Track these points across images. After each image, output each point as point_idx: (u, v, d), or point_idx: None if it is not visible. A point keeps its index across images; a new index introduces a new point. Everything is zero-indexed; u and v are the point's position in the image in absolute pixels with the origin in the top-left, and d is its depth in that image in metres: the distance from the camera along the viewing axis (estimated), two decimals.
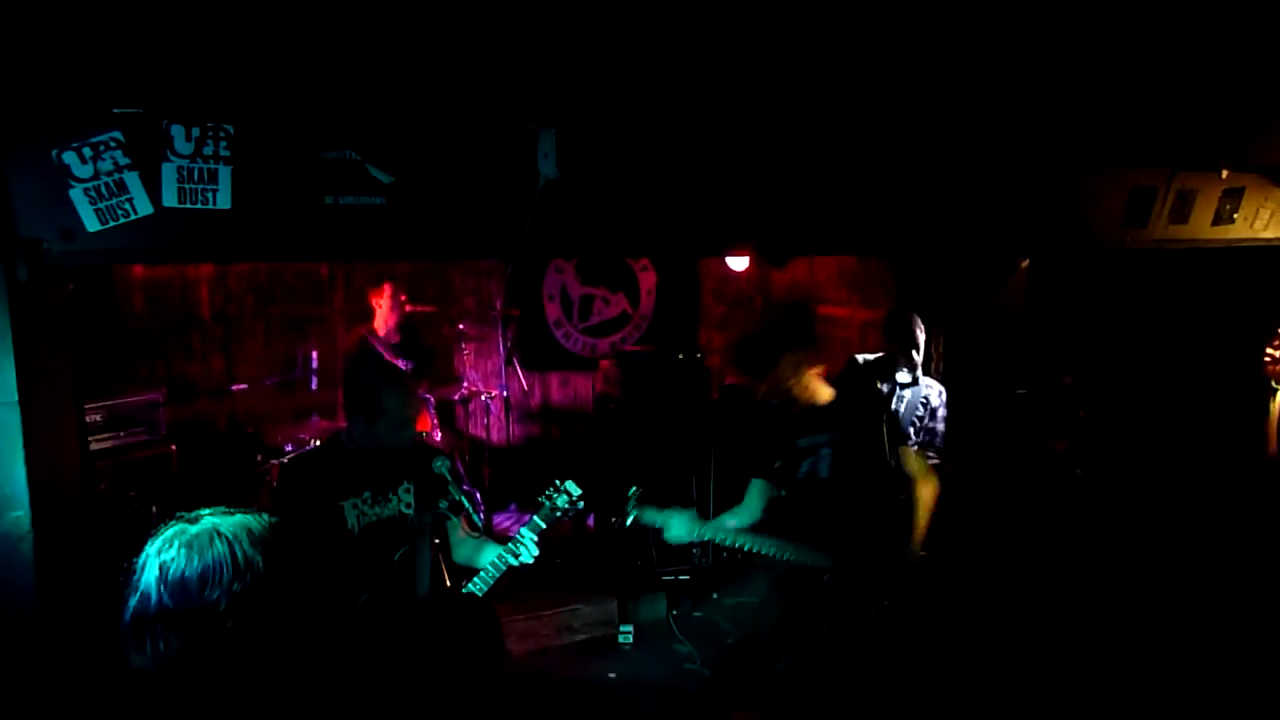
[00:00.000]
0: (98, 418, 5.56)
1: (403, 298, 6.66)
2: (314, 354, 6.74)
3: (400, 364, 6.54)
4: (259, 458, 6.29)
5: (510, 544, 3.59)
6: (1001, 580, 5.30)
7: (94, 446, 5.28)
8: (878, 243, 4.07)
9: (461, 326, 7.19)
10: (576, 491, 3.75)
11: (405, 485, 3.62)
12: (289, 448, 6.28)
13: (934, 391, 5.48)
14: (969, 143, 4.08)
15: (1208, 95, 4.15)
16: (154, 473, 5.82)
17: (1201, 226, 4.71)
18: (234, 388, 6.38)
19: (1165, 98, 4.14)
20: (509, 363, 7.16)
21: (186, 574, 1.63)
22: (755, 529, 4.25)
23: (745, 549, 4.09)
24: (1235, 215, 4.77)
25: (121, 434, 5.74)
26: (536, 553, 3.59)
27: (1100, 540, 5.87)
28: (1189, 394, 6.11)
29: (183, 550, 1.65)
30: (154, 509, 5.66)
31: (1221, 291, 5.94)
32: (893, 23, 3.48)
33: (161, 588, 1.62)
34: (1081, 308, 6.74)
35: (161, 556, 1.65)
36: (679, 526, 4.05)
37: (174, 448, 5.94)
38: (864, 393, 4.46)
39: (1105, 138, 4.24)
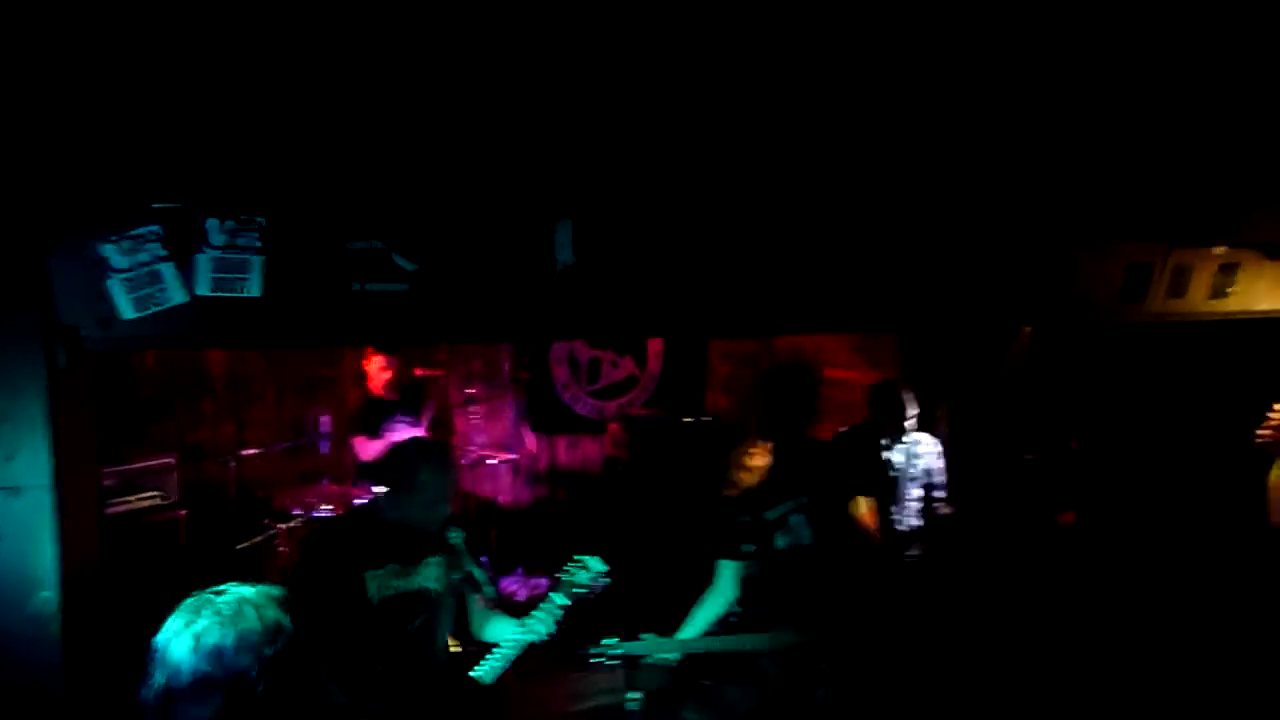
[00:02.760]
0: (110, 482, 5.60)
1: (382, 362, 6.63)
2: (323, 418, 6.81)
3: (402, 424, 6.63)
4: (267, 522, 6.32)
5: (526, 621, 3.57)
6: (1007, 640, 5.31)
7: (107, 511, 5.33)
8: (880, 320, 4.19)
9: (470, 390, 7.27)
10: (600, 567, 3.71)
11: (431, 560, 3.59)
12: (297, 511, 6.31)
13: (929, 443, 5.56)
14: (968, 220, 4.19)
15: (1202, 175, 4.29)
16: (164, 537, 5.85)
17: (1198, 300, 4.82)
18: (244, 453, 6.43)
19: (1161, 177, 4.28)
20: (517, 425, 7.25)
21: (221, 642, 1.69)
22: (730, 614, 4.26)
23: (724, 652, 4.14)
24: (1230, 289, 4.88)
25: (133, 499, 5.78)
26: (552, 629, 3.57)
27: (1103, 600, 5.89)
28: (1191, 461, 6.17)
29: (214, 618, 1.71)
30: (163, 573, 5.69)
31: (1222, 360, 6.03)
32: (893, 107, 3.62)
33: (195, 657, 1.68)
34: (1087, 373, 6.82)
35: (192, 628, 1.71)
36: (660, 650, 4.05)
37: (184, 513, 5.96)
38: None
39: (1102, 215, 4.37)
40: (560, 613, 3.61)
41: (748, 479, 4.25)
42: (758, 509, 4.22)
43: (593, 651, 3.95)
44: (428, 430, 6.84)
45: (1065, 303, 4.51)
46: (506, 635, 3.60)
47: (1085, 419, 6.81)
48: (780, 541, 4.18)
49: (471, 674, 3.53)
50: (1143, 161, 4.15)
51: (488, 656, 3.56)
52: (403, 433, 6.57)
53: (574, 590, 3.67)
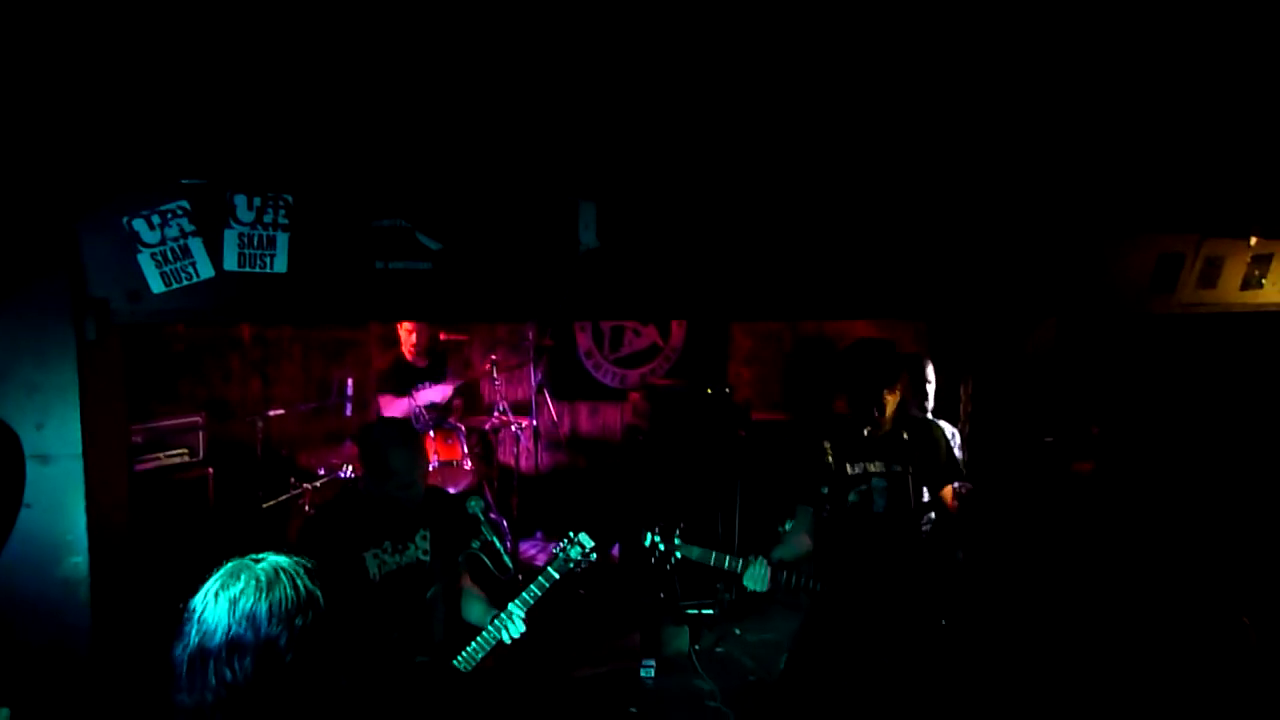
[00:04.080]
0: (139, 439, 5.69)
1: (410, 327, 6.71)
2: (349, 380, 6.88)
3: (429, 387, 6.71)
4: (292, 480, 6.42)
5: (501, 616, 3.63)
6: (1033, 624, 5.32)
7: (136, 468, 5.42)
8: (908, 307, 4.15)
9: (494, 356, 7.32)
10: (589, 544, 3.79)
11: (422, 533, 3.72)
12: (321, 471, 6.41)
13: (945, 428, 5.51)
14: (999, 208, 4.16)
15: (1236, 165, 4.22)
16: (191, 495, 5.95)
17: (1230, 291, 4.76)
18: (270, 413, 6.52)
19: (1194, 167, 4.21)
20: (539, 392, 7.30)
21: (256, 607, 1.73)
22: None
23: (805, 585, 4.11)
24: (1264, 280, 4.81)
25: (161, 456, 5.87)
26: (522, 629, 3.63)
27: (1123, 579, 5.88)
28: (1212, 452, 6.13)
29: (251, 583, 1.76)
30: (190, 530, 5.80)
31: (1251, 352, 5.96)
32: (926, 95, 3.58)
33: (230, 620, 1.72)
34: (1113, 358, 6.77)
35: (229, 591, 1.75)
36: (759, 573, 4.04)
37: (211, 470, 6.06)
38: (919, 424, 4.37)
39: (1134, 205, 4.32)
40: (549, 585, 3.68)
41: (888, 408, 4.09)
42: (842, 457, 4.11)
43: (676, 546, 4.07)
44: (454, 395, 6.91)
45: (1095, 292, 4.46)
46: (485, 621, 3.67)
47: (1108, 404, 6.77)
48: (852, 497, 4.09)
49: (454, 662, 3.63)
50: (1176, 152, 4.09)
51: (471, 643, 3.64)
52: (430, 396, 6.66)
53: (566, 566, 3.74)
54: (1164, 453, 6.46)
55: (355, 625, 3.41)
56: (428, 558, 3.71)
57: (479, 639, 3.64)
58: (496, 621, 3.63)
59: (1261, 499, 5.37)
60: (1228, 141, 4.07)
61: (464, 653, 3.64)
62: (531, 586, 3.67)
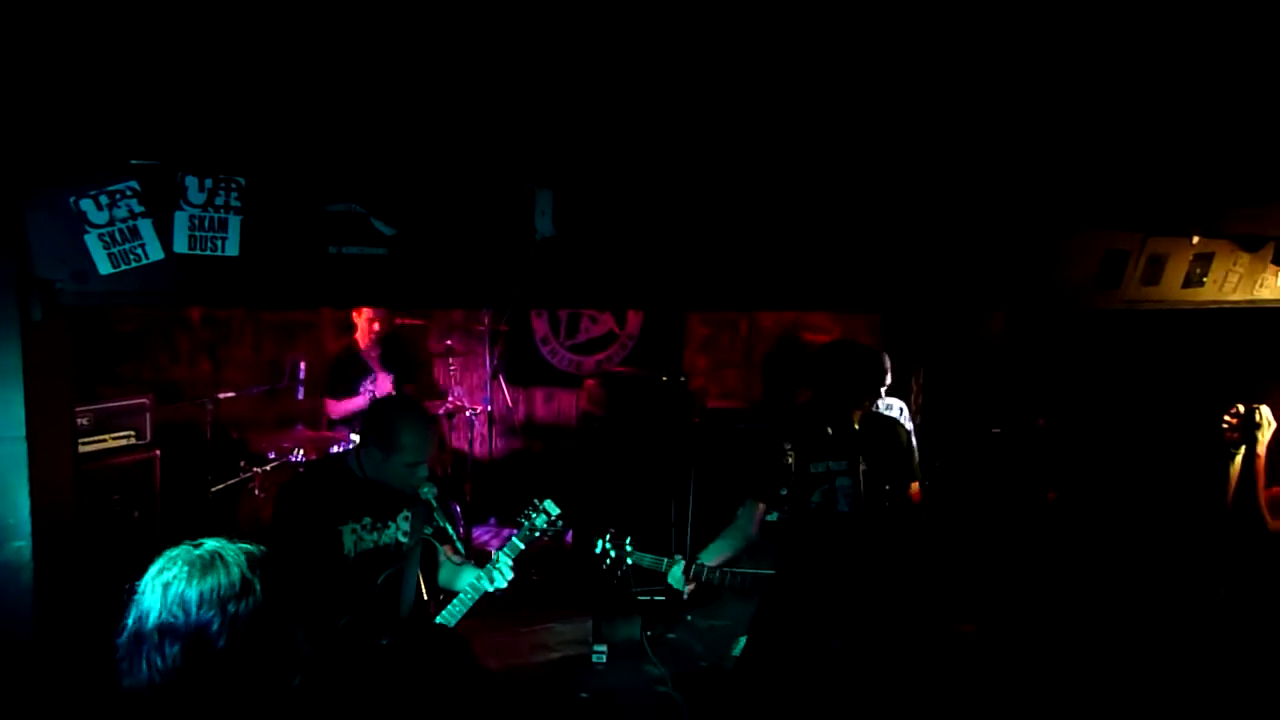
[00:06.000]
0: (84, 421, 5.55)
1: (370, 314, 6.66)
2: (302, 364, 6.79)
3: (381, 376, 6.65)
4: (242, 464, 6.34)
5: (486, 568, 3.65)
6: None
7: (80, 450, 5.31)
8: (860, 300, 4.22)
9: (449, 341, 7.27)
10: (555, 511, 3.83)
11: (405, 513, 3.66)
12: (272, 455, 6.33)
13: (895, 409, 5.50)
14: (949, 204, 4.22)
15: (1183, 167, 4.32)
16: (138, 478, 5.84)
17: (1172, 288, 4.89)
18: (220, 395, 6.42)
19: (1141, 167, 4.31)
20: (494, 377, 7.27)
21: (187, 592, 1.72)
22: (748, 552, 4.19)
23: (740, 582, 4.14)
24: (1205, 278, 4.94)
25: (107, 438, 5.76)
26: (510, 577, 3.64)
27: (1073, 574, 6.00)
28: (1154, 445, 6.28)
29: (185, 568, 1.75)
30: (136, 514, 5.71)
31: (1193, 348, 6.12)
32: (877, 90, 3.62)
33: (161, 604, 1.71)
34: (1060, 352, 6.90)
35: (163, 576, 1.75)
36: (677, 574, 4.13)
37: (158, 453, 5.96)
38: (881, 421, 4.34)
39: (1081, 204, 4.40)
40: (516, 554, 3.70)
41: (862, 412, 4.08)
42: (805, 457, 4.04)
43: (628, 554, 4.17)
44: (406, 384, 6.86)
45: (1041, 287, 4.56)
46: (469, 582, 3.69)
47: (1055, 397, 6.91)
48: (815, 498, 4.03)
49: (436, 620, 3.62)
50: (1124, 151, 4.18)
51: (451, 603, 3.66)
52: (383, 387, 6.60)
53: (532, 534, 3.77)
54: (1108, 446, 6.61)
55: (318, 601, 3.36)
56: (407, 539, 3.63)
57: (460, 598, 3.65)
58: (480, 582, 3.64)
59: (1194, 486, 5.52)
60: (1172, 141, 4.17)
61: (445, 612, 3.65)
62: (500, 554, 3.66)
